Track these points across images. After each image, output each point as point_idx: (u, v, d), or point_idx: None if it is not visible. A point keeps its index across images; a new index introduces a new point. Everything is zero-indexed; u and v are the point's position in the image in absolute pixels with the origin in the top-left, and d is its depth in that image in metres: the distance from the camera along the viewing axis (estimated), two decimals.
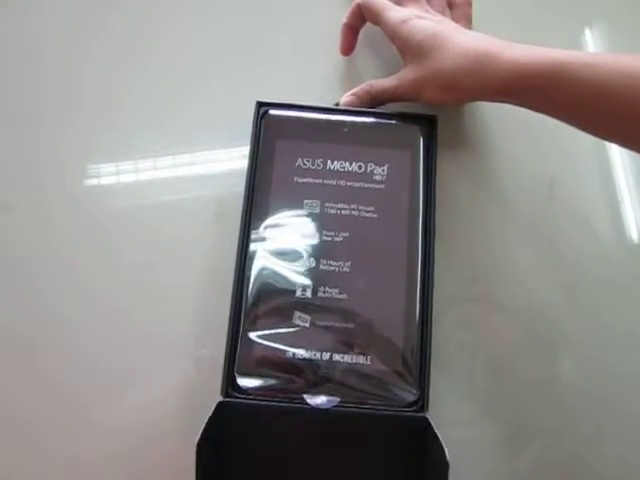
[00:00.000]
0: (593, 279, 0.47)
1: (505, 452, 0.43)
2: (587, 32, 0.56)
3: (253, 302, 0.40)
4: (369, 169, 0.42)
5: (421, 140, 0.44)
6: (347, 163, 0.43)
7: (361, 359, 0.39)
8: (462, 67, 0.41)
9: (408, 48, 0.44)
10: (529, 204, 0.48)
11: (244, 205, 0.42)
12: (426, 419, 0.38)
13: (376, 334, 0.40)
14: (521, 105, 0.42)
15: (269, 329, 0.40)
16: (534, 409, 0.44)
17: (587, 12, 0.56)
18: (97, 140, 0.48)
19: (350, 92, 0.46)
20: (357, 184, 0.42)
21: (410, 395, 0.39)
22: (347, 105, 0.45)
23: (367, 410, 0.38)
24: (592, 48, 0.55)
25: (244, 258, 0.41)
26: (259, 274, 0.41)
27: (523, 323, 0.45)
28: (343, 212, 0.42)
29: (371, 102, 0.46)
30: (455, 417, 0.42)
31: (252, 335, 0.40)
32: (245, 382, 0.39)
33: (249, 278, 0.40)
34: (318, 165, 0.42)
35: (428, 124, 0.45)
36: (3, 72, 0.50)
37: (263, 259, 0.41)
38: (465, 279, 0.45)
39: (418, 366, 0.39)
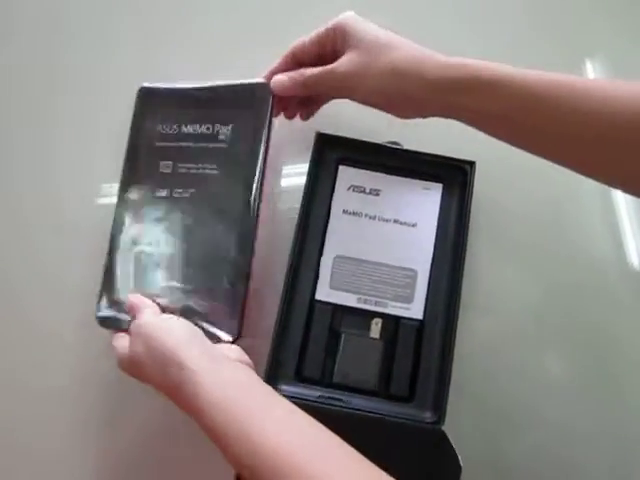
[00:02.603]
0: (592, 295, 0.50)
1: (503, 450, 0.47)
2: (587, 63, 0.58)
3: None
4: (215, 129, 0.45)
5: (264, 99, 0.45)
6: (197, 125, 0.46)
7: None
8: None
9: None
10: (533, 221, 0.52)
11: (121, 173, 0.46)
12: (443, 432, 0.40)
13: (204, 272, 0.42)
14: (448, 113, 0.42)
15: None
16: (531, 411, 0.47)
17: (587, 43, 0.58)
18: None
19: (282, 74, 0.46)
20: (204, 144, 0.45)
21: (231, 330, 0.40)
22: (277, 84, 0.45)
23: (385, 418, 0.41)
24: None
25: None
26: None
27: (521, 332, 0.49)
28: (191, 171, 0.45)
29: (304, 83, 0.45)
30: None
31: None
32: None
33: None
34: (174, 130, 0.46)
35: None
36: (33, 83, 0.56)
37: (120, 215, 0.45)
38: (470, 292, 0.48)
39: (240, 303, 0.41)
